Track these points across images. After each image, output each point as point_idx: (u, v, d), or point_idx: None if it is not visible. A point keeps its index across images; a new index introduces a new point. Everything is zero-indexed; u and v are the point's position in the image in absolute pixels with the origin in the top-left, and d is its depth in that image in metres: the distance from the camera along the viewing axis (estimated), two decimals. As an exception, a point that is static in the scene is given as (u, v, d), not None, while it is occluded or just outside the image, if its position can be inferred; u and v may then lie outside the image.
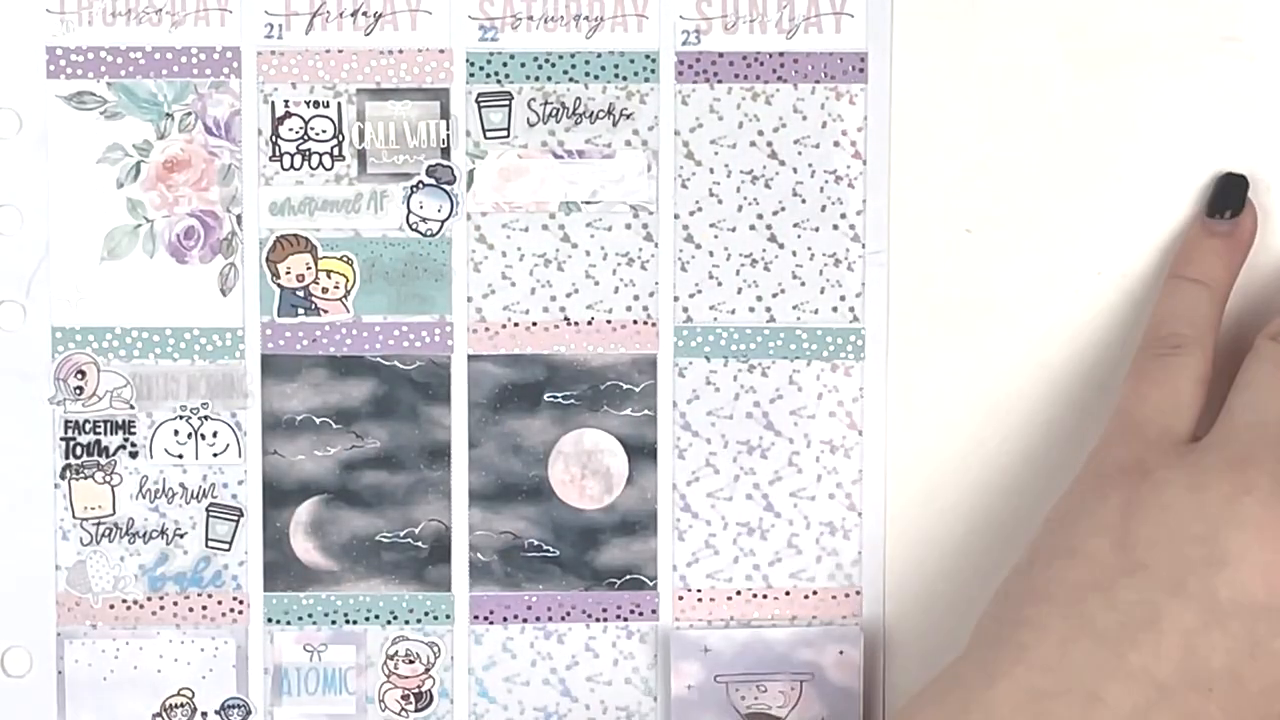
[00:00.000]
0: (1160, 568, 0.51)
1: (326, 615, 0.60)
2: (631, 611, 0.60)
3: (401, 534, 0.60)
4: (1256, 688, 0.50)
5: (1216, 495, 0.51)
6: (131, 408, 0.59)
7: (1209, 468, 0.52)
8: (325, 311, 0.59)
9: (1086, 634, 0.51)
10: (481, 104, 0.59)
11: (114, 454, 0.59)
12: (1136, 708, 0.50)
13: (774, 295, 0.60)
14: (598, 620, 0.60)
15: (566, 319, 0.59)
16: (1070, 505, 0.54)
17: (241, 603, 0.60)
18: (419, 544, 0.60)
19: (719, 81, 0.59)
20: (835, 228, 0.59)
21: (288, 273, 0.59)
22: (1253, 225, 0.58)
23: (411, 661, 0.60)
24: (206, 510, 0.60)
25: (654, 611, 0.60)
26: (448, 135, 0.59)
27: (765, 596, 0.60)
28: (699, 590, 0.60)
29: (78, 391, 0.59)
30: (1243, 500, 0.51)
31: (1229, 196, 0.57)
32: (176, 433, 0.59)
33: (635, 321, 0.60)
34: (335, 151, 0.59)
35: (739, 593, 0.60)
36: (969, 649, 0.53)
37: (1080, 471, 0.55)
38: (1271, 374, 0.54)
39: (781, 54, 0.59)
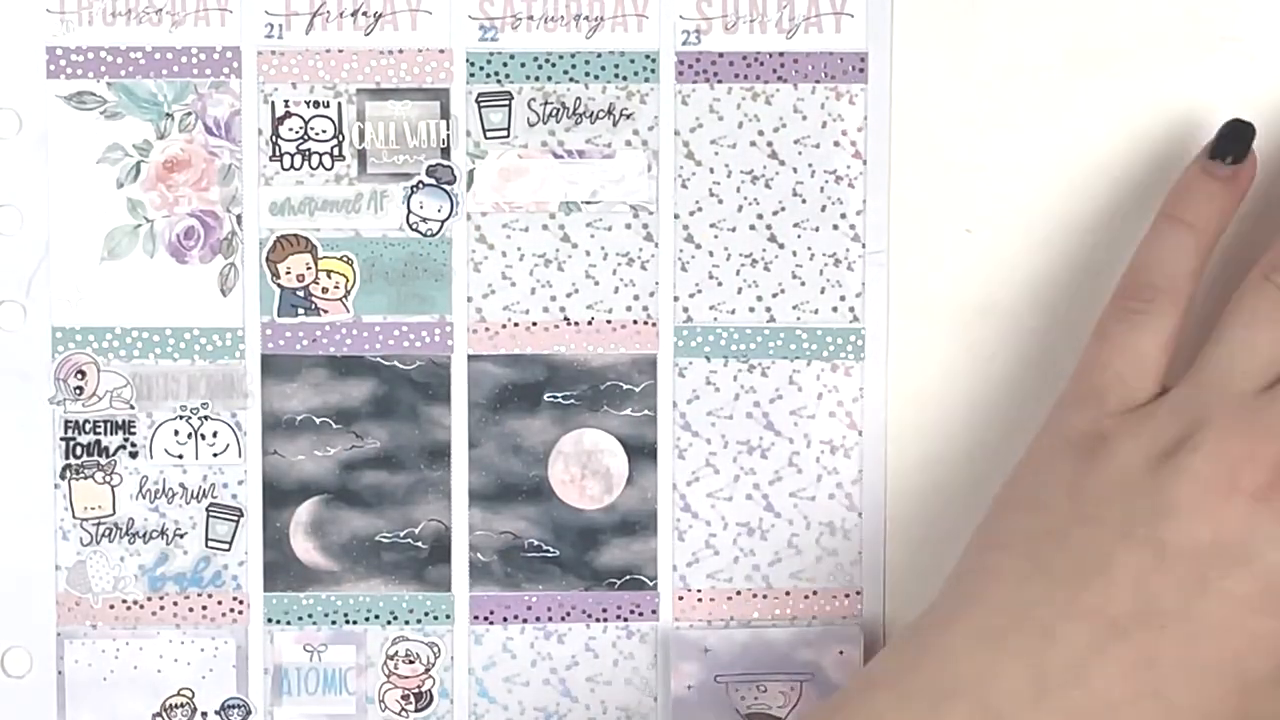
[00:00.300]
0: (1111, 519, 0.52)
1: (326, 615, 0.60)
2: (631, 612, 0.60)
3: (401, 534, 0.60)
4: (1208, 626, 0.51)
5: (1164, 453, 0.52)
6: (131, 408, 0.59)
7: (1162, 430, 0.53)
8: (325, 311, 0.59)
9: (1040, 575, 0.52)
10: (481, 104, 0.59)
11: (114, 454, 0.59)
12: (1090, 645, 0.51)
13: (774, 295, 0.60)
14: (598, 620, 0.60)
15: (566, 319, 0.59)
16: (1029, 465, 0.55)
17: (241, 603, 0.60)
18: (419, 544, 0.60)
19: (719, 81, 0.59)
20: (835, 228, 0.59)
21: (288, 273, 0.59)
22: (1251, 176, 0.57)
23: (411, 661, 0.60)
24: (206, 510, 0.60)
25: (654, 612, 0.60)
26: (448, 135, 0.59)
27: (765, 596, 0.60)
28: (699, 590, 0.60)
29: (78, 391, 0.59)
30: (1190, 458, 0.52)
31: (1235, 142, 0.57)
32: (176, 433, 0.59)
33: (635, 321, 0.60)
34: (335, 151, 0.59)
35: (739, 593, 0.60)
36: (933, 604, 0.54)
37: (1039, 432, 0.56)
38: (1250, 321, 0.54)
39: (781, 54, 0.59)
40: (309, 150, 0.59)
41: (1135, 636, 0.51)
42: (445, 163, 0.59)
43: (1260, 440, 0.52)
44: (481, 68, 0.59)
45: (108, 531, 0.59)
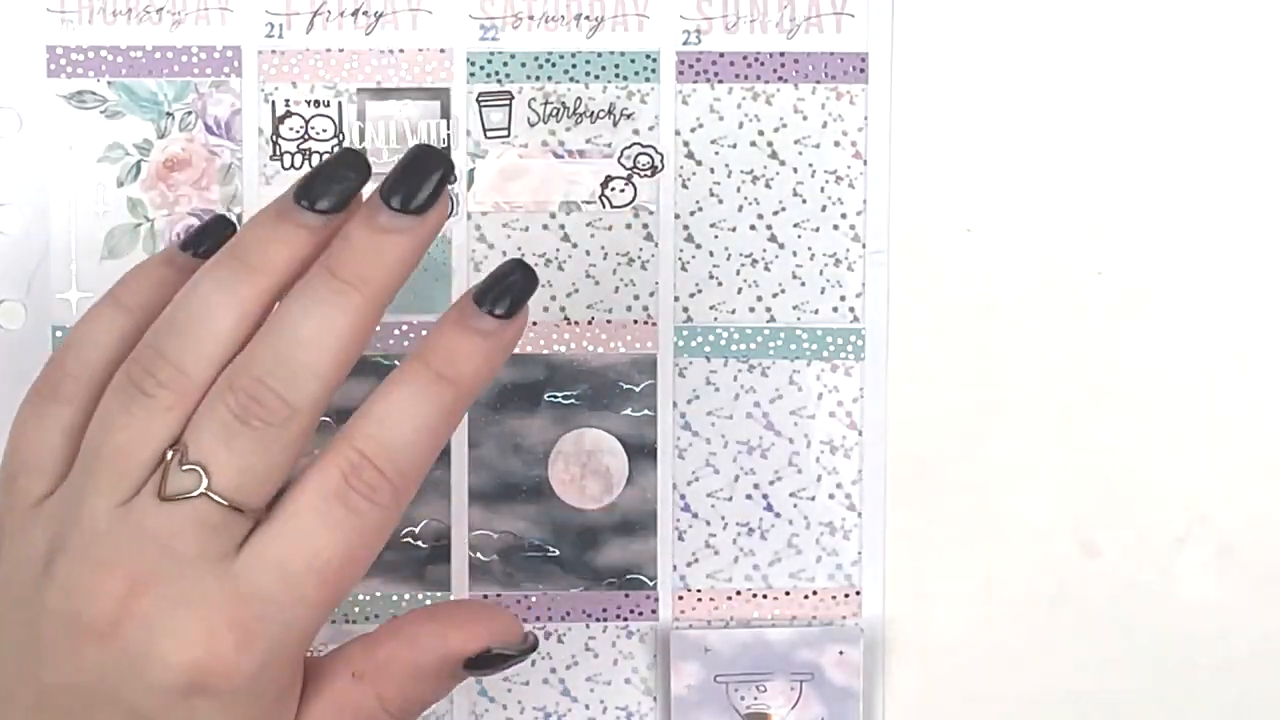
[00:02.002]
0: (8, 649, 0.49)
1: (326, 615, 0.60)
2: (631, 611, 0.60)
3: (401, 534, 0.60)
4: None
5: (35, 578, 0.48)
6: (131, 407, 0.59)
7: (35, 545, 0.49)
8: (325, 311, 0.59)
9: None
10: (482, 104, 0.59)
11: (114, 453, 0.59)
12: None
13: (774, 295, 0.60)
14: (597, 620, 0.60)
15: (566, 319, 0.59)
16: None
17: (241, 602, 0.60)
18: (419, 543, 0.60)
19: (719, 81, 0.59)
20: (835, 228, 0.59)
21: (288, 272, 0.59)
22: (195, 269, 0.49)
23: (411, 661, 0.60)
24: (206, 510, 0.60)
25: (654, 611, 0.60)
26: (448, 135, 0.59)
27: (765, 596, 0.60)
28: (699, 590, 0.60)
29: (77, 391, 0.59)
30: (48, 592, 0.48)
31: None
32: (176, 432, 0.59)
33: (635, 321, 0.60)
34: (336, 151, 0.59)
35: (739, 593, 0.60)
36: None
37: None
38: (103, 421, 0.48)
39: (782, 54, 0.59)
40: (309, 149, 0.59)
41: None
42: (445, 162, 0.59)
43: (105, 571, 0.47)
44: (482, 67, 0.59)
45: (107, 531, 0.59)
